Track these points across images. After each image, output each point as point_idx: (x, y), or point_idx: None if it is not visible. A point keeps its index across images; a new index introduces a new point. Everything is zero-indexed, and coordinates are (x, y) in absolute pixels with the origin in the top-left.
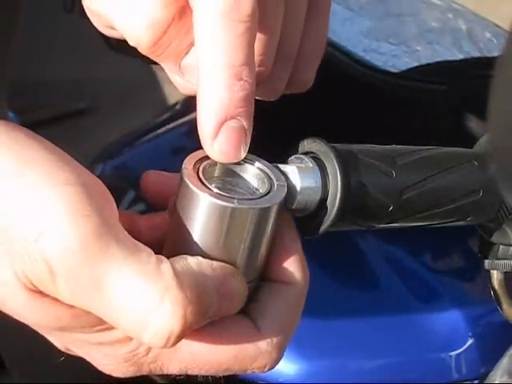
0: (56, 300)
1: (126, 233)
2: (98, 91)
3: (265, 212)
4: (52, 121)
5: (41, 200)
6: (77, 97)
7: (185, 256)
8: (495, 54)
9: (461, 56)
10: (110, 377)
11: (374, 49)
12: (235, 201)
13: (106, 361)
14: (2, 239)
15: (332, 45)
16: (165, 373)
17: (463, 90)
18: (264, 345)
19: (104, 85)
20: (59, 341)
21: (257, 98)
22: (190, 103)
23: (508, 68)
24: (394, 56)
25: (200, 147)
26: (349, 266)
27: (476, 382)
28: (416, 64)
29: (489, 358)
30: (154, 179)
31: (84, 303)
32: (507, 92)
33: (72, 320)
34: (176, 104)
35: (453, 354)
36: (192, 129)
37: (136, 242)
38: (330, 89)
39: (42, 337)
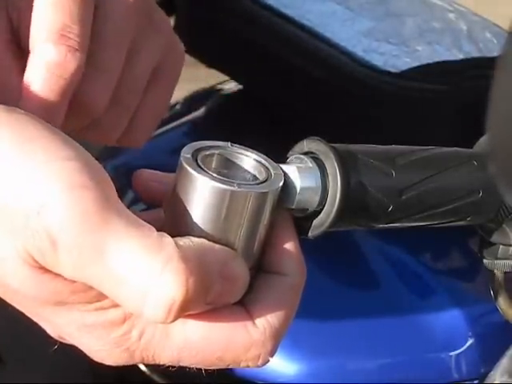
0: (56, 275)
1: (126, 208)
2: None
3: (263, 197)
4: None
5: (42, 174)
6: None
7: (187, 236)
8: (495, 54)
9: (461, 56)
10: (103, 368)
11: (374, 49)
12: (235, 184)
13: (97, 346)
14: (5, 216)
15: (332, 45)
16: (157, 362)
17: (463, 90)
18: (257, 334)
19: None
20: (52, 327)
21: (90, 140)
22: (190, 103)
23: (508, 68)
24: (394, 56)
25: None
26: (348, 266)
27: (476, 382)
28: (416, 64)
29: (489, 358)
30: (147, 177)
31: (85, 275)
32: (507, 92)
33: (71, 295)
34: (176, 104)
35: (453, 354)
36: (192, 129)
37: (137, 217)
38: (330, 89)
39: (38, 327)
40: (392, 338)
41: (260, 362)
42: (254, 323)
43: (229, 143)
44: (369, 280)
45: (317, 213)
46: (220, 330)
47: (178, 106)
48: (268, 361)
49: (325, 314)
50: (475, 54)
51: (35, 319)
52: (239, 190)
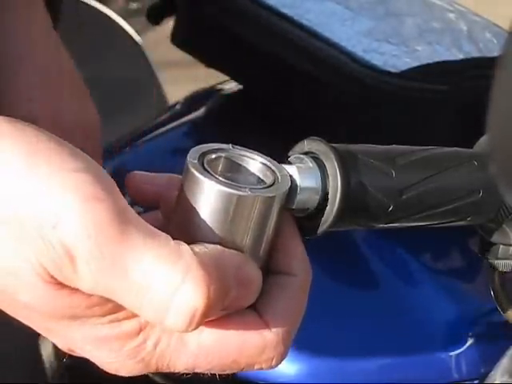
0: (72, 290)
1: (140, 217)
2: (98, 91)
3: (271, 200)
4: None
5: (53, 188)
6: None
7: (201, 242)
8: (495, 54)
9: (461, 56)
10: (111, 376)
11: (374, 49)
12: (247, 189)
13: (111, 358)
14: (16, 231)
15: (331, 45)
16: (172, 370)
17: (463, 90)
18: (270, 335)
19: (104, 85)
20: (63, 341)
21: None
22: (190, 103)
23: (508, 68)
24: (394, 56)
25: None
26: (348, 266)
27: (476, 382)
28: (416, 64)
29: (489, 358)
30: (139, 180)
31: (105, 288)
32: (507, 92)
33: (86, 309)
34: (176, 104)
35: (453, 354)
36: (192, 129)
37: (151, 226)
38: (329, 88)
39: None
40: (392, 338)
41: (274, 364)
42: (266, 325)
43: (230, 145)
44: (369, 280)
45: (317, 213)
46: (234, 334)
47: (177, 106)
48: (280, 362)
49: (325, 313)
50: (475, 54)
51: (43, 333)
52: (248, 194)
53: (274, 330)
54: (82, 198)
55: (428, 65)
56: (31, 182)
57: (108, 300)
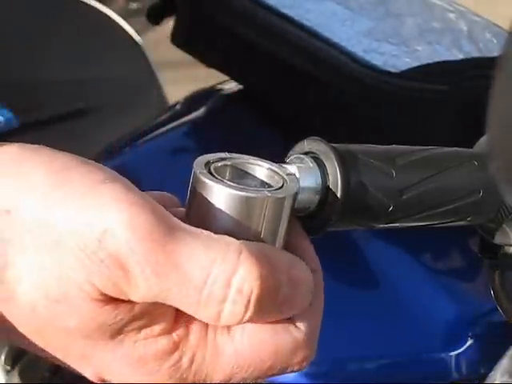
0: (116, 305)
1: (174, 216)
2: (98, 91)
3: (284, 200)
4: (52, 121)
5: (88, 202)
6: (77, 97)
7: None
8: (495, 54)
9: (461, 56)
10: None
11: (374, 49)
12: (265, 191)
13: (148, 381)
14: (59, 256)
15: (332, 45)
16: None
17: (463, 90)
18: (301, 336)
19: (104, 85)
20: (95, 368)
21: None
22: (190, 103)
23: (508, 68)
24: (394, 56)
25: (201, 148)
26: (348, 266)
27: (476, 382)
28: (416, 64)
29: (489, 358)
30: None
31: (161, 289)
32: (507, 92)
33: (129, 323)
34: (176, 104)
35: (453, 354)
36: (192, 129)
37: (187, 224)
38: (329, 88)
39: None
40: (392, 337)
41: (304, 365)
42: (295, 325)
43: (226, 153)
44: (369, 280)
45: (317, 212)
46: (268, 337)
47: (178, 106)
48: (309, 363)
49: (325, 313)
50: (475, 54)
51: (75, 362)
52: (264, 195)
53: (303, 330)
54: (120, 206)
55: (428, 65)
56: (65, 202)
57: (146, 311)
